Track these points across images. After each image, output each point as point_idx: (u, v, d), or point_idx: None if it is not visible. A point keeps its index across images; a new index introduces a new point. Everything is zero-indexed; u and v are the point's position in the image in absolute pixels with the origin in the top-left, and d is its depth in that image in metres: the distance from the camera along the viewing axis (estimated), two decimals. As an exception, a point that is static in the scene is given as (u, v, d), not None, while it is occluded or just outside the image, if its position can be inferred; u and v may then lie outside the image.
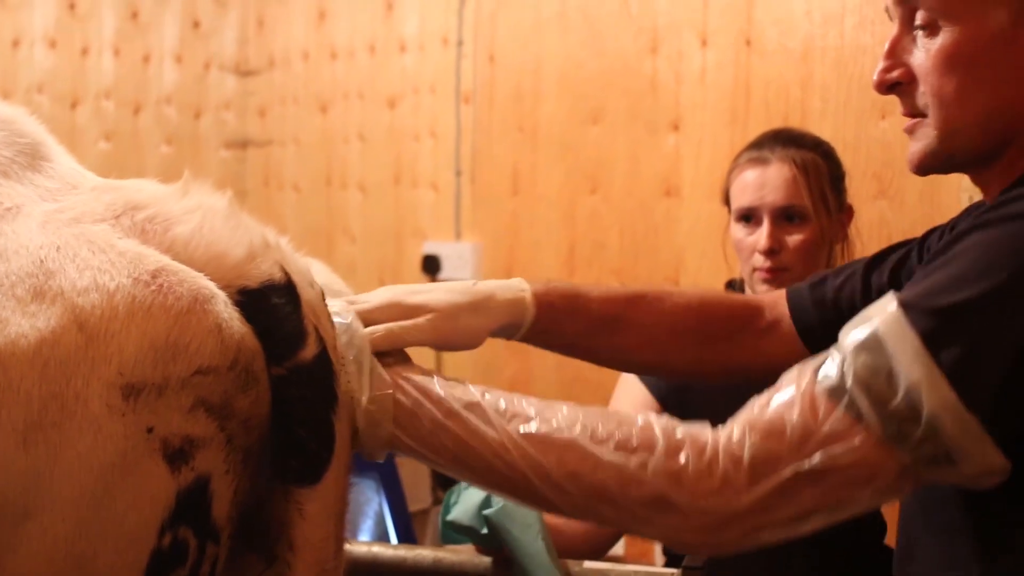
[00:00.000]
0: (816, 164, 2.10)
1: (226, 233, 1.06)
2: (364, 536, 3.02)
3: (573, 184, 3.74)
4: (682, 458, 1.10)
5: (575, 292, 1.46)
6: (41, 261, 0.99)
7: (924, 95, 1.27)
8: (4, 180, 1.07)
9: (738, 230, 2.12)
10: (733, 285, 2.23)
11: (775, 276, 2.06)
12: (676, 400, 1.98)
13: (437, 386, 1.17)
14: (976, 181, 1.35)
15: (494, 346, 3.85)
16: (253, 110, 4.60)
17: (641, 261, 3.58)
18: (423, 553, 1.62)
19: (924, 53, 1.26)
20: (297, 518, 1.06)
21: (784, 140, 2.11)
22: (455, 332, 1.33)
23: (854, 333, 1.12)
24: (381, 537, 3.00)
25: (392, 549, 1.65)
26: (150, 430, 0.97)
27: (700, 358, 1.53)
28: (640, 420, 1.14)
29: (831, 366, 1.12)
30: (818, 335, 1.51)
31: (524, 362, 3.79)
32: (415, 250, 4.10)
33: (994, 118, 1.25)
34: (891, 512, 1.50)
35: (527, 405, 1.16)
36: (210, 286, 1.02)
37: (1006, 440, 1.08)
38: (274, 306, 1.05)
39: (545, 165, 3.81)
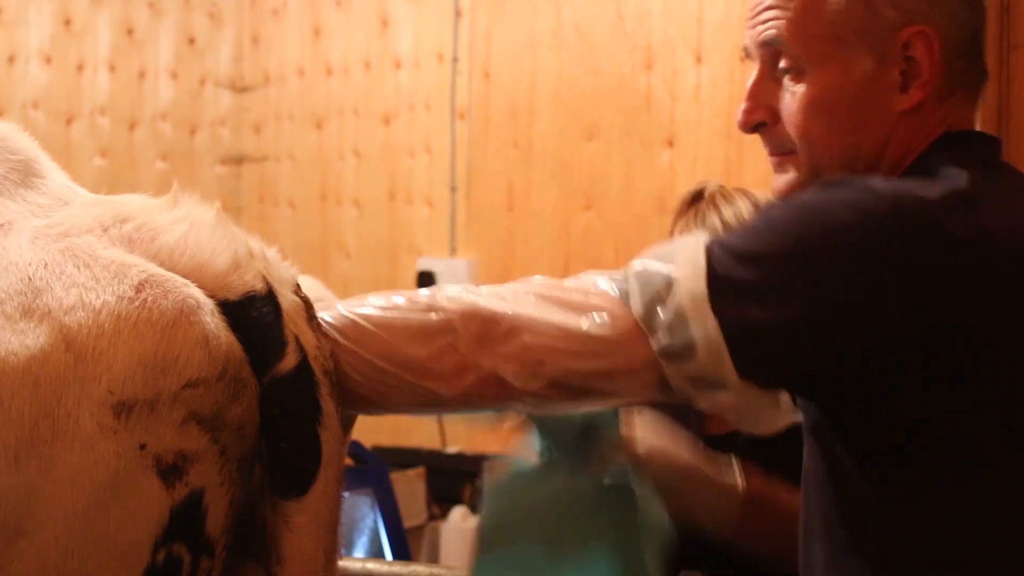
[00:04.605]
0: None
1: (211, 242, 1.05)
2: (359, 552, 3.01)
3: (568, 200, 3.74)
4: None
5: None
6: (30, 279, 0.99)
7: (789, 135, 1.32)
8: (-3, 197, 1.07)
9: None
10: None
11: None
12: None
13: None
14: None
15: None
16: (248, 126, 4.60)
17: (636, 277, 3.58)
18: (418, 570, 1.61)
19: (790, 96, 1.30)
20: (284, 530, 1.05)
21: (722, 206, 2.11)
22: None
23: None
24: (376, 553, 2.99)
25: (387, 565, 1.65)
26: (143, 447, 0.97)
27: None
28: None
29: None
30: None
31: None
32: (410, 266, 4.09)
33: (859, 156, 1.29)
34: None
35: None
36: (196, 295, 1.02)
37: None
38: (252, 319, 1.04)
39: (540, 181, 3.81)
